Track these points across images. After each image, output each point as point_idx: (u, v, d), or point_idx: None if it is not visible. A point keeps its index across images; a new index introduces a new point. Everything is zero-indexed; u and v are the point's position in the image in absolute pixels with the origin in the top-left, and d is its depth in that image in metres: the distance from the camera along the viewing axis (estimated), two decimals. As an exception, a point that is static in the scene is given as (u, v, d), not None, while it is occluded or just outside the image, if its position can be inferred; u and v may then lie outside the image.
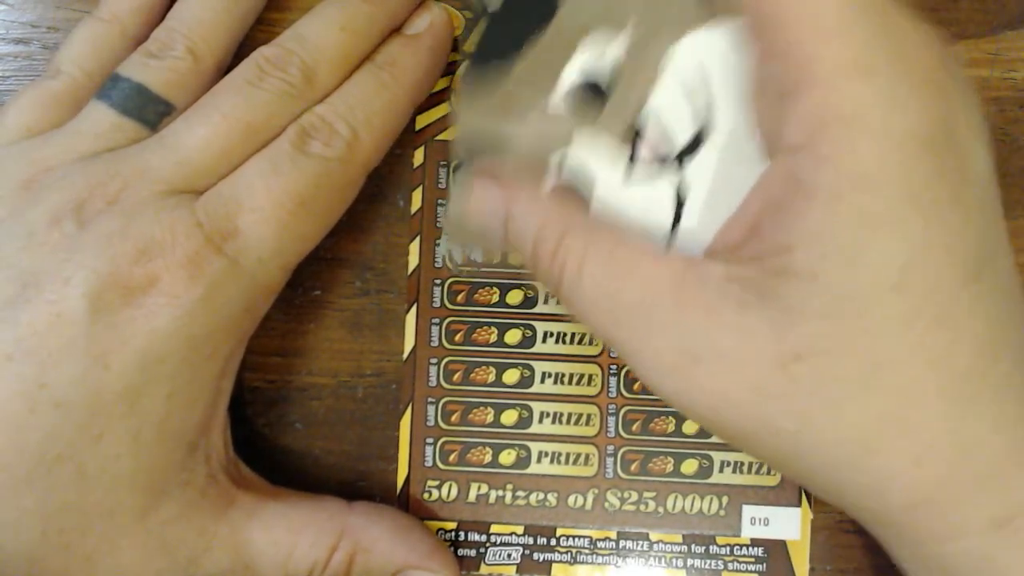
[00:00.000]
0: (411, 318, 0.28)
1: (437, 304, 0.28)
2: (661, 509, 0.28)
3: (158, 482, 0.23)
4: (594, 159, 0.22)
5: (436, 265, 0.28)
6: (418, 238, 0.28)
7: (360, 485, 0.28)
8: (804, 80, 0.19)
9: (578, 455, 0.28)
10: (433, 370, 0.28)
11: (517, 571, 0.28)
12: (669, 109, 0.22)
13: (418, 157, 0.28)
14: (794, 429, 0.19)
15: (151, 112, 0.24)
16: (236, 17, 0.26)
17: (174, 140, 0.24)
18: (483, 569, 0.28)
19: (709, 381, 0.20)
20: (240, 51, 0.27)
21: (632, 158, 0.22)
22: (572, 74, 0.22)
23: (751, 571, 0.27)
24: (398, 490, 0.28)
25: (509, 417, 0.28)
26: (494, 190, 0.22)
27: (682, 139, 0.22)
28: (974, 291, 0.19)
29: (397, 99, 0.25)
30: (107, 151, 0.24)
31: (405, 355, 0.28)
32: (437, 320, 0.28)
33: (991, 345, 0.19)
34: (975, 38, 0.28)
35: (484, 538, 0.28)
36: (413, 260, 0.28)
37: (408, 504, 0.28)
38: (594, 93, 0.22)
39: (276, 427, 0.28)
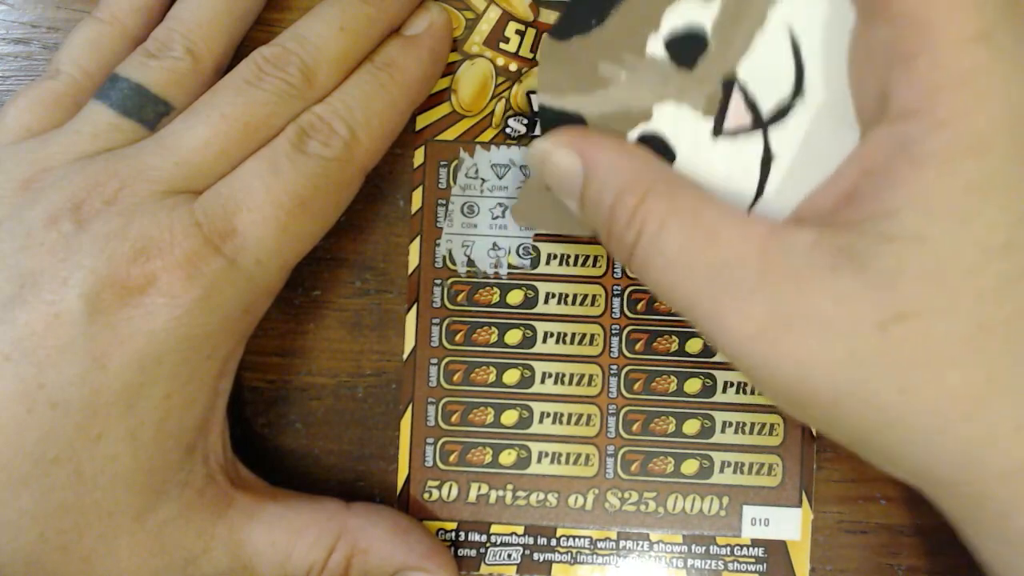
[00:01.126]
0: (411, 318, 0.28)
1: (437, 304, 0.28)
2: (661, 509, 0.28)
3: (156, 483, 0.23)
4: (678, 123, 0.22)
5: (436, 265, 0.28)
6: (418, 238, 0.28)
7: (360, 485, 0.28)
8: (921, 45, 0.18)
9: (578, 455, 0.28)
10: (433, 370, 0.28)
11: (517, 571, 0.28)
12: (761, 71, 0.21)
13: (418, 157, 0.28)
14: (892, 393, 0.19)
15: (150, 112, 0.24)
16: (235, 17, 0.26)
17: (173, 140, 0.24)
18: (483, 569, 0.28)
19: (799, 347, 0.19)
20: (240, 51, 0.27)
21: (719, 121, 0.22)
22: (662, 36, 0.21)
23: (751, 571, 0.27)
24: (398, 490, 0.28)
25: (509, 417, 0.28)
26: (574, 148, 0.22)
27: (772, 102, 0.21)
28: None
29: (396, 100, 0.25)
30: (106, 151, 0.24)
31: (405, 355, 0.28)
32: (437, 320, 0.28)
33: None
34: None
35: (484, 538, 0.28)
36: (413, 260, 0.28)
37: (408, 504, 0.28)
38: (685, 55, 0.21)
39: (276, 427, 0.28)
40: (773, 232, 0.20)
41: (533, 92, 0.28)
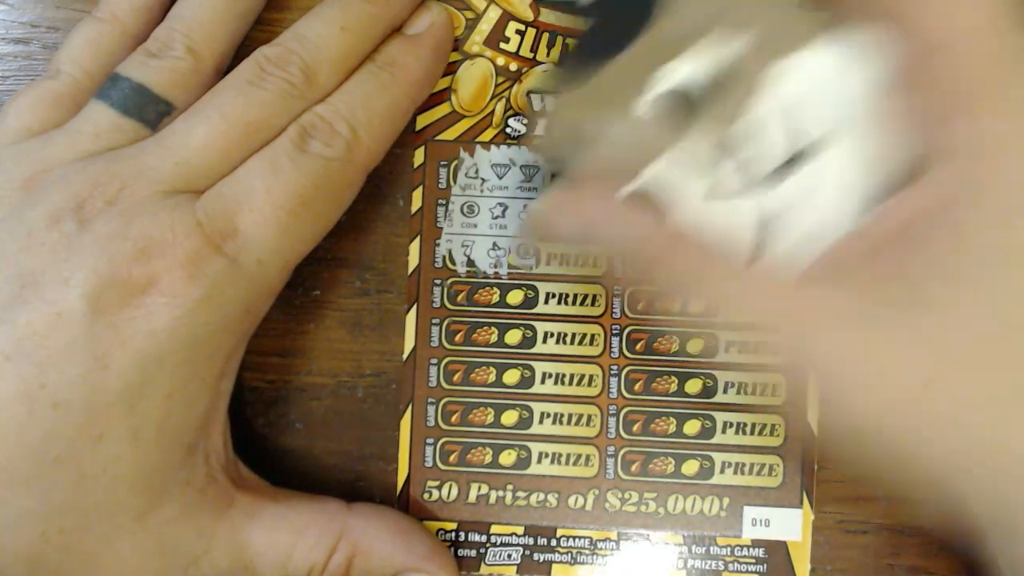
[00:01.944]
0: (411, 318, 0.28)
1: (437, 304, 0.28)
2: (662, 510, 0.28)
3: (158, 482, 0.23)
4: (678, 172, 0.22)
5: (436, 265, 0.28)
6: (418, 238, 0.28)
7: (360, 485, 0.28)
8: (956, 109, 0.19)
9: (579, 456, 0.28)
10: (433, 370, 0.28)
11: (517, 571, 0.28)
12: (752, 138, 0.21)
13: (418, 157, 0.28)
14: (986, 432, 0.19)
15: (151, 112, 0.24)
16: (236, 17, 0.26)
17: (174, 140, 0.24)
18: (483, 569, 0.28)
19: (944, 406, 0.19)
20: (240, 51, 0.27)
21: (711, 183, 0.21)
22: (665, 82, 0.22)
23: (752, 572, 0.27)
24: (398, 490, 0.28)
25: (509, 417, 0.28)
26: (571, 218, 0.22)
27: (766, 167, 0.21)
28: None
29: (397, 99, 0.25)
30: (107, 151, 0.24)
31: (405, 355, 0.28)
32: (437, 320, 0.28)
33: None
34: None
35: (484, 538, 0.28)
36: (413, 260, 0.28)
37: (408, 504, 0.28)
38: (684, 104, 0.22)
39: (276, 427, 0.28)
40: (798, 288, 0.20)
41: (533, 92, 0.28)
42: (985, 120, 0.18)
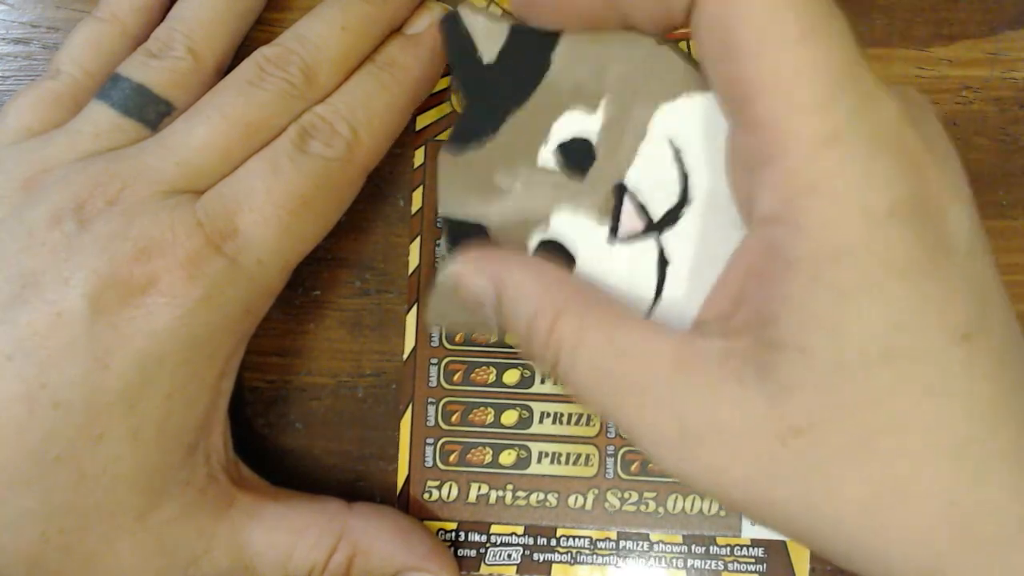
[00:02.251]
0: (411, 318, 0.28)
1: (437, 304, 0.28)
2: (661, 509, 0.28)
3: (158, 482, 0.23)
4: (575, 229, 0.22)
5: (436, 265, 0.28)
6: (418, 238, 0.28)
7: (360, 485, 0.28)
8: (776, 152, 0.18)
9: (578, 455, 0.28)
10: (433, 370, 0.28)
11: (517, 571, 0.28)
12: (648, 179, 0.22)
13: (418, 157, 0.28)
14: (796, 504, 0.19)
15: (151, 112, 0.24)
16: (236, 17, 0.26)
17: (174, 140, 0.24)
18: (483, 569, 0.28)
19: (710, 457, 0.19)
20: (240, 51, 0.27)
21: (613, 228, 0.22)
22: (552, 146, 0.22)
23: (751, 571, 0.27)
24: (398, 490, 0.28)
25: (509, 417, 0.28)
26: (484, 272, 0.22)
27: (661, 208, 0.22)
28: (965, 355, 0.18)
29: (397, 99, 0.25)
30: (107, 151, 0.24)
31: (405, 355, 0.28)
32: (437, 320, 0.28)
33: (992, 409, 0.18)
34: (975, 38, 0.28)
35: (484, 538, 0.28)
36: (413, 260, 0.28)
37: (408, 504, 0.28)
38: (575, 164, 0.22)
39: (276, 427, 0.28)
40: (684, 342, 0.20)
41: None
42: (796, 160, 0.18)
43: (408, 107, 0.26)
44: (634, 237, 0.22)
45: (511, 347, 0.28)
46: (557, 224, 0.22)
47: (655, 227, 0.22)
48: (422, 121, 0.28)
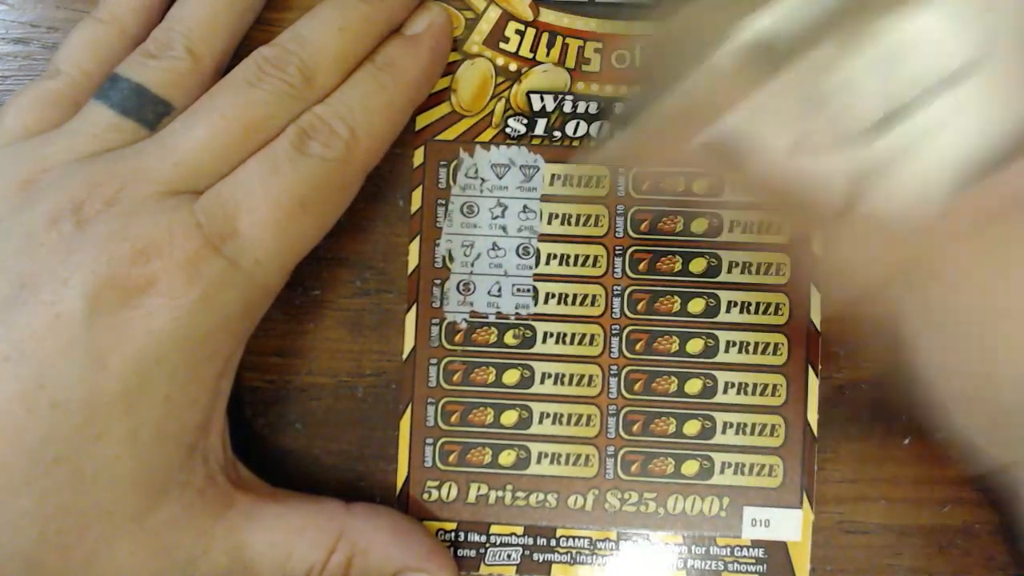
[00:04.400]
0: (411, 318, 0.28)
1: (437, 304, 0.28)
2: (661, 510, 0.28)
3: (156, 483, 0.23)
4: (761, 124, 0.20)
5: (436, 265, 0.28)
6: (418, 238, 0.28)
7: (360, 485, 0.28)
8: None
9: (578, 456, 0.28)
10: (433, 370, 0.28)
11: (517, 572, 0.28)
12: (859, 85, 0.20)
13: (418, 157, 0.28)
14: None
15: (150, 112, 0.24)
16: (235, 17, 0.26)
17: (173, 140, 0.24)
18: (483, 570, 0.28)
19: None
20: (239, 51, 0.27)
21: (806, 131, 0.20)
22: (749, 31, 0.20)
23: (752, 572, 0.27)
24: (398, 490, 0.28)
25: (509, 418, 0.28)
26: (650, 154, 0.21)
27: (868, 119, 0.20)
28: None
29: (396, 100, 0.25)
30: (106, 151, 0.24)
31: (405, 355, 0.28)
32: (437, 320, 0.28)
33: None
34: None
35: (484, 539, 0.28)
36: (413, 260, 0.28)
37: (408, 504, 0.28)
38: (768, 55, 0.20)
39: (276, 427, 0.28)
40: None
41: (533, 92, 0.28)
42: None
43: (407, 108, 0.26)
44: (823, 150, 0.20)
45: (510, 346, 0.28)
46: (734, 125, 0.20)
47: (850, 141, 0.20)
48: (422, 121, 0.28)
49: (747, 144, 0.21)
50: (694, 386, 0.28)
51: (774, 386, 0.27)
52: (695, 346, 0.28)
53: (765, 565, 0.27)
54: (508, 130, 0.28)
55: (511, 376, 0.28)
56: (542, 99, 0.28)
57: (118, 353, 0.22)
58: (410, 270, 0.28)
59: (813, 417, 0.27)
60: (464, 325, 0.28)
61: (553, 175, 0.28)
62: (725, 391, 0.28)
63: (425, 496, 0.28)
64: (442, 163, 0.28)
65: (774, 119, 0.20)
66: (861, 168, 0.20)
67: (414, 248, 0.28)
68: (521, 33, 0.28)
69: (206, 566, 0.24)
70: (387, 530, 0.26)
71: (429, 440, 0.28)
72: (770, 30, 0.20)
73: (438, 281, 0.28)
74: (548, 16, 0.28)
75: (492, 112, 0.28)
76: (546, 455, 0.28)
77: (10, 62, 0.29)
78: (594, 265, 0.28)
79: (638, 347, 0.28)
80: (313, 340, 0.28)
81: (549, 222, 0.28)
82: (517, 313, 0.28)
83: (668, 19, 0.21)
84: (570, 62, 0.28)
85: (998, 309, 0.19)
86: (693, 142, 0.21)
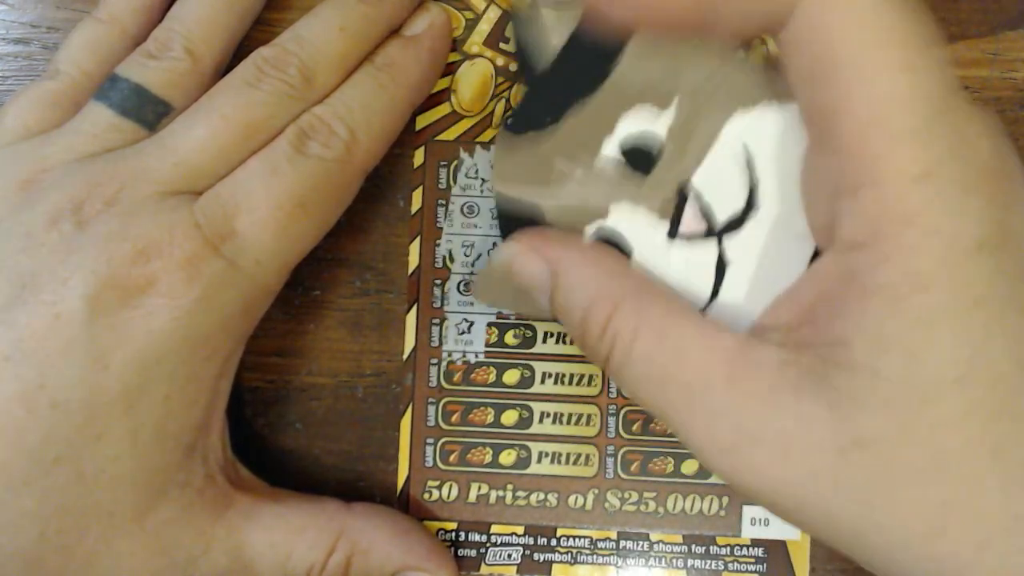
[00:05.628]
0: (411, 318, 0.28)
1: (437, 304, 0.28)
2: (661, 509, 0.28)
3: (156, 483, 0.23)
4: (633, 225, 0.22)
5: (436, 265, 0.28)
6: (418, 238, 0.28)
7: (360, 485, 0.28)
8: (867, 180, 0.18)
9: (578, 455, 0.28)
10: (433, 370, 0.28)
11: (517, 571, 0.28)
12: (714, 182, 0.22)
13: (418, 157, 0.28)
14: (855, 517, 0.19)
15: (150, 112, 0.24)
16: (235, 17, 0.26)
17: (172, 141, 0.24)
18: (483, 569, 0.28)
19: (766, 464, 0.19)
20: (239, 51, 0.27)
21: (672, 228, 0.22)
22: (617, 140, 0.22)
23: (751, 571, 0.27)
24: (398, 490, 0.28)
25: (509, 417, 0.28)
26: (540, 254, 0.22)
27: (725, 213, 0.22)
28: None
29: (396, 100, 0.25)
30: (106, 152, 0.24)
31: (405, 355, 0.28)
32: (437, 320, 0.28)
33: None
34: (975, 38, 0.28)
35: (484, 538, 0.28)
36: (413, 260, 0.28)
37: (408, 504, 0.28)
38: (639, 161, 0.22)
39: (276, 427, 0.28)
40: (740, 348, 0.20)
41: None
42: (890, 191, 0.18)
43: (407, 108, 0.26)
44: (694, 238, 0.22)
45: (511, 346, 0.28)
46: (615, 218, 0.22)
47: (717, 231, 0.22)
48: (422, 121, 0.28)
49: (631, 235, 0.22)
50: (694, 386, 0.28)
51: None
52: (695, 346, 0.28)
53: (765, 564, 0.27)
54: (508, 130, 0.28)
55: (511, 376, 0.28)
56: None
57: (118, 353, 0.22)
58: (410, 270, 0.28)
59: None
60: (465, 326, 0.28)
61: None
62: (725, 391, 0.28)
63: (426, 496, 0.28)
64: (442, 163, 0.28)
65: (654, 210, 0.22)
66: (726, 259, 0.22)
67: (414, 248, 0.28)
68: (521, 33, 0.28)
69: (206, 566, 0.24)
70: (387, 530, 0.26)
71: (430, 440, 0.28)
72: (645, 128, 0.22)
73: (438, 281, 0.28)
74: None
75: (492, 112, 0.28)
76: (546, 455, 0.28)
77: (10, 62, 0.29)
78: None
79: (638, 347, 0.28)
80: (313, 340, 0.28)
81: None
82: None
83: (524, 157, 0.22)
84: (570, 62, 0.28)
85: None
86: (587, 234, 0.22)
